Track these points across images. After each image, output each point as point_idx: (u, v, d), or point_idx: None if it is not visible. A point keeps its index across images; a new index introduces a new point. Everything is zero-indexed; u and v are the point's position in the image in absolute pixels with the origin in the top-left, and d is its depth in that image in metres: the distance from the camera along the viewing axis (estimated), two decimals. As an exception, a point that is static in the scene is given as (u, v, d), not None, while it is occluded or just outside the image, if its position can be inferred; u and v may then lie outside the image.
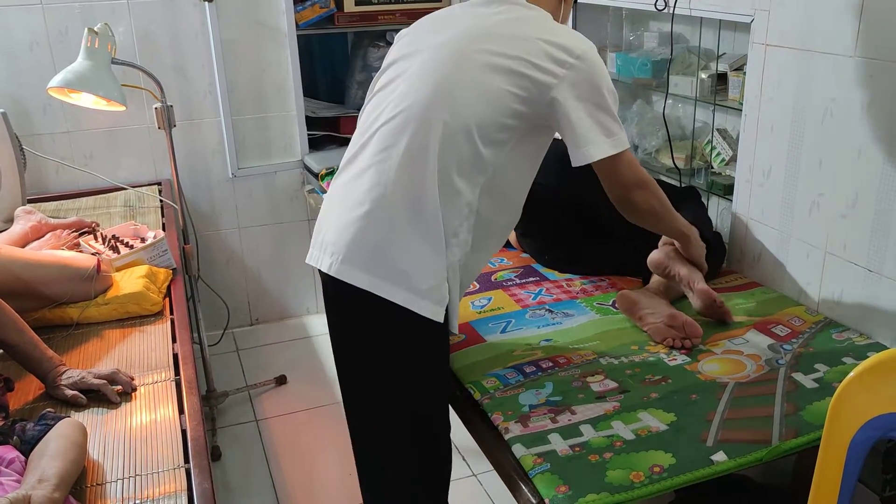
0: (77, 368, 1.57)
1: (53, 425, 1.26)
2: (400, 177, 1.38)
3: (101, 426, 1.44)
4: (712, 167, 2.21)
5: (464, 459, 2.45)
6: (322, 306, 3.38)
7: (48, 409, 1.36)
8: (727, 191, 2.09)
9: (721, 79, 2.16)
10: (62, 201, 2.71)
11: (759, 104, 1.89)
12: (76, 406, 1.49)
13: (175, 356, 1.68)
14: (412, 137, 1.39)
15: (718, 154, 2.17)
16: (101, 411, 1.49)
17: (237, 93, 2.99)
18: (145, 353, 1.70)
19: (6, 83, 2.70)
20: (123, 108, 2.19)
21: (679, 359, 1.61)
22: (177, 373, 1.62)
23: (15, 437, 1.25)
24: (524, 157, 1.47)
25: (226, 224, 3.15)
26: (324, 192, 2.85)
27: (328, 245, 1.44)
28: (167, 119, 2.29)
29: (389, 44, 3.22)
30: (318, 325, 3.31)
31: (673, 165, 2.28)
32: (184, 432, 1.40)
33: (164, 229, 2.39)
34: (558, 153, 1.49)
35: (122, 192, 2.73)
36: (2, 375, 1.48)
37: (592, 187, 1.53)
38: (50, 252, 1.97)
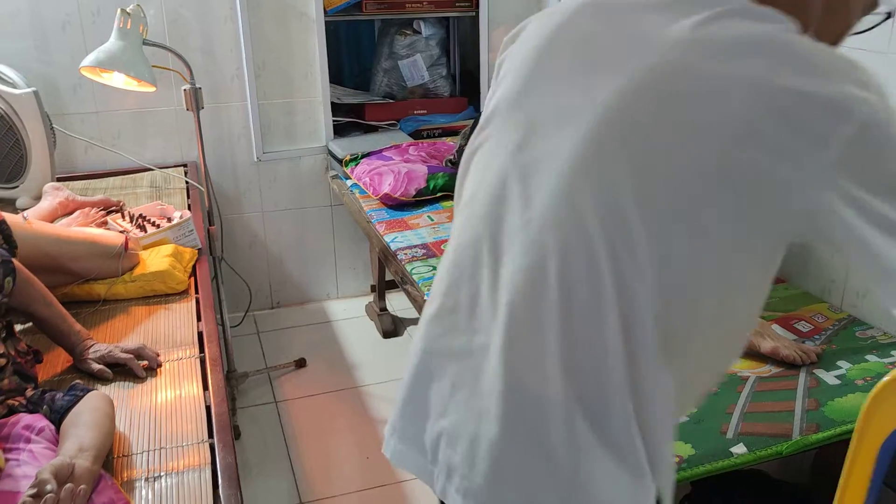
0: (104, 343, 1.60)
1: (83, 396, 1.28)
2: (558, 350, 0.81)
3: (126, 400, 1.46)
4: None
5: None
6: (342, 291, 3.42)
7: (77, 381, 1.38)
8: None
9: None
10: (90, 180, 2.75)
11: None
12: (102, 380, 1.52)
13: (199, 334, 1.71)
14: (571, 272, 0.81)
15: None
16: (128, 385, 1.52)
17: (264, 77, 3.00)
18: (170, 331, 1.73)
19: (38, 62, 2.73)
20: (153, 89, 2.21)
21: (700, 352, 1.61)
22: (201, 350, 1.64)
23: (45, 406, 1.28)
24: (746, 290, 0.85)
25: (250, 207, 3.17)
26: (347, 177, 2.85)
27: (456, 468, 0.88)
28: (195, 101, 2.31)
29: (417, 32, 3.20)
30: (338, 310, 3.33)
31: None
32: (208, 408, 1.43)
33: (189, 210, 2.41)
34: None
35: (149, 172, 2.76)
36: (31, 347, 1.51)
37: None
38: (79, 229, 2.00)
